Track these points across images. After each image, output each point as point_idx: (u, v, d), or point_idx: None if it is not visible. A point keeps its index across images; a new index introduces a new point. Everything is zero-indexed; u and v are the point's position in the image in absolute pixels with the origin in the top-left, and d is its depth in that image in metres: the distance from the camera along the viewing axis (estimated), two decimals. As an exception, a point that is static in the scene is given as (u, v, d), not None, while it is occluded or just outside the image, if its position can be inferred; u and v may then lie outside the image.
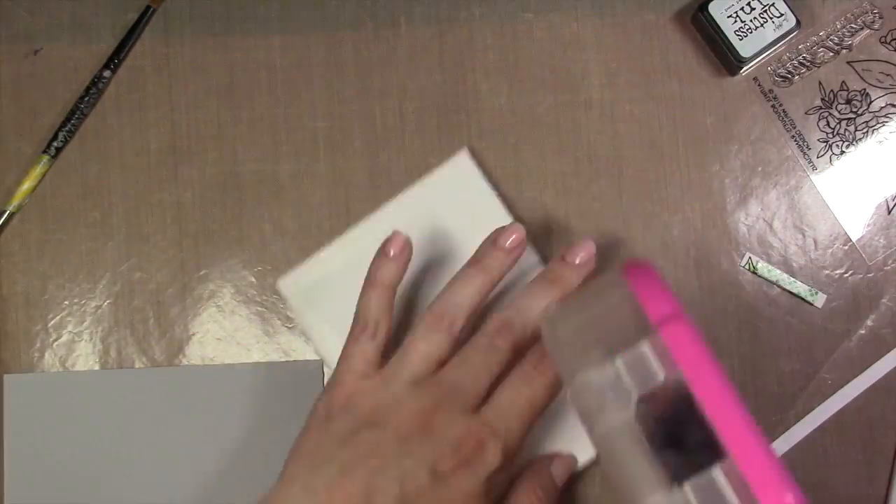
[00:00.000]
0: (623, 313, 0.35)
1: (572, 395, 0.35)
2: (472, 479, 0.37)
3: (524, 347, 0.41)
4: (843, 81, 0.50)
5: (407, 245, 0.43)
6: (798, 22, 0.48)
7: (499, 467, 0.38)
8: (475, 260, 0.43)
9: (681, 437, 0.32)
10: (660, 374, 0.33)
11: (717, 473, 0.31)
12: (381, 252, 0.43)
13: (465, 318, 0.41)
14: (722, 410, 0.31)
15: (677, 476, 0.31)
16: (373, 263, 0.43)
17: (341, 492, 0.37)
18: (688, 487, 0.31)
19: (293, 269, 0.47)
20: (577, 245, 0.43)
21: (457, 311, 0.41)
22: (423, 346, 0.40)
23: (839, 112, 0.49)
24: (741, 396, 0.31)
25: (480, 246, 0.43)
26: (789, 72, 0.50)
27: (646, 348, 0.33)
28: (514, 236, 0.43)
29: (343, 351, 0.42)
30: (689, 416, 0.32)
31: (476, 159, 0.48)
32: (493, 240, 0.43)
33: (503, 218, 0.47)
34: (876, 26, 0.50)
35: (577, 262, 0.43)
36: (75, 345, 0.48)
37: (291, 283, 0.47)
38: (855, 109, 0.49)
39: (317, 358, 0.48)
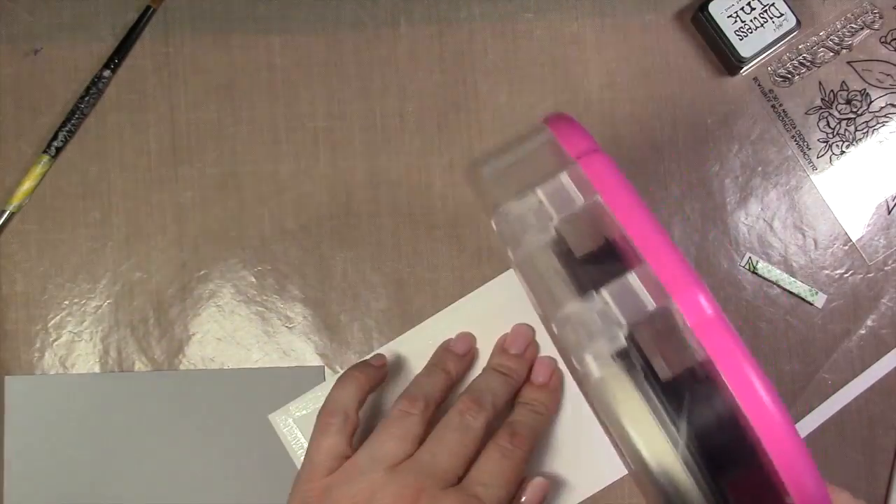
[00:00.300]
0: (544, 156, 0.37)
1: (496, 221, 0.36)
2: None
3: (492, 424, 0.42)
4: (844, 81, 0.50)
5: (384, 364, 0.46)
6: (798, 22, 0.48)
7: None
8: (437, 361, 0.46)
9: (597, 252, 0.35)
10: (578, 200, 0.35)
11: (633, 278, 0.33)
12: (368, 361, 0.46)
13: (437, 404, 0.43)
14: (635, 222, 0.33)
15: (596, 284, 0.33)
16: (359, 363, 0.45)
17: None
18: (605, 292, 0.33)
19: (285, 405, 0.47)
20: (513, 335, 0.46)
21: (428, 397, 0.42)
22: (398, 429, 0.41)
23: (839, 112, 0.49)
24: (652, 211, 0.34)
25: (442, 353, 0.47)
26: (789, 72, 0.50)
27: (565, 179, 0.35)
28: (464, 345, 0.47)
29: (311, 443, 0.42)
30: (606, 232, 0.35)
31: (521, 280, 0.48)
32: (449, 347, 0.47)
33: (542, 338, 0.47)
34: (876, 26, 0.50)
35: (515, 352, 0.46)
36: (75, 345, 0.48)
37: (281, 419, 0.47)
38: (855, 109, 0.49)
39: (319, 364, 0.48)
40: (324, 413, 0.42)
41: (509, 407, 0.44)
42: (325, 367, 0.48)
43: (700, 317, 0.31)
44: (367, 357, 0.46)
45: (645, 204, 0.33)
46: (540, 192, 0.35)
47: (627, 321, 0.32)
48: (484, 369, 0.46)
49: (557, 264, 0.34)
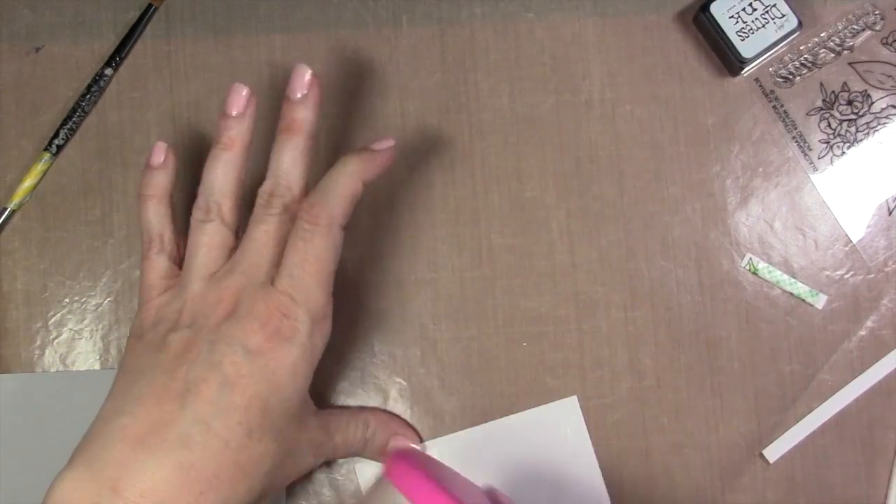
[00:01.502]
0: None
1: None
2: (288, 348, 0.38)
3: (296, 208, 0.41)
4: (845, 82, 0.50)
5: (169, 152, 0.43)
6: (800, 23, 0.48)
7: (310, 329, 0.39)
8: (216, 140, 0.42)
9: None
10: None
11: None
12: (145, 165, 0.43)
13: (231, 200, 0.42)
14: None
15: None
16: (141, 179, 0.43)
17: (166, 392, 0.36)
18: None
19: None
20: (292, 79, 0.42)
21: (219, 197, 0.41)
22: (203, 239, 0.41)
23: (840, 113, 0.49)
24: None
25: (217, 128, 0.42)
26: (791, 73, 0.50)
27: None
28: (238, 100, 0.42)
29: (140, 272, 0.43)
30: None
31: (582, 409, 0.48)
32: (223, 113, 0.42)
33: (593, 467, 0.47)
34: (877, 27, 0.50)
35: (299, 96, 0.41)
36: (75, 343, 0.48)
37: None
38: (856, 111, 0.49)
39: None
40: (143, 243, 0.43)
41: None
42: (326, 366, 0.48)
43: None
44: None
45: None
46: None
47: None
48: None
49: None
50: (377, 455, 0.46)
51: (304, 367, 0.39)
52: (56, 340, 0.48)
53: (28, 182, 0.48)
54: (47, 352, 0.48)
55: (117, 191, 0.49)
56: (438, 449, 0.48)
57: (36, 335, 0.48)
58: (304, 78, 0.42)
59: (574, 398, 0.48)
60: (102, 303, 0.48)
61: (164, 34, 0.50)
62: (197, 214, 0.42)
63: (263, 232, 0.40)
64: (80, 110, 0.49)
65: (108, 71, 0.49)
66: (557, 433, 0.48)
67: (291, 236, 0.40)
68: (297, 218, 0.40)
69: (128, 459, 0.35)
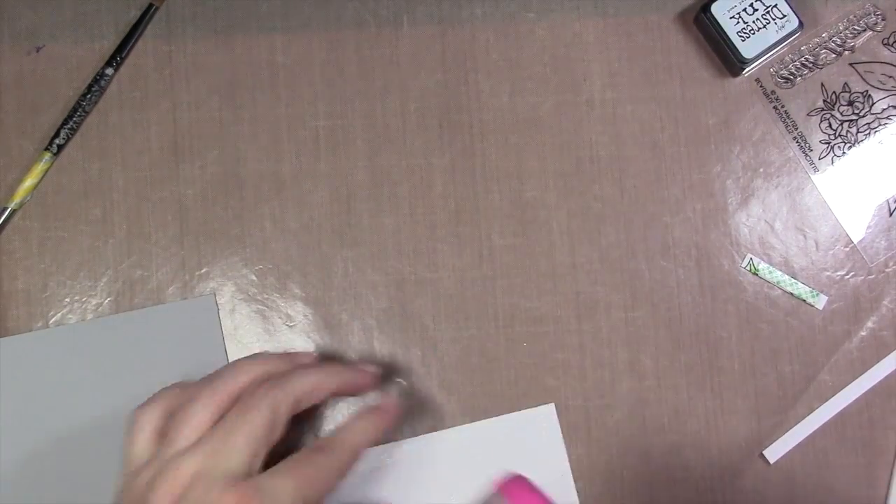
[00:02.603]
0: None
1: None
2: None
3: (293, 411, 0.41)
4: (846, 83, 0.50)
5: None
6: (801, 23, 0.48)
7: None
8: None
9: None
10: None
11: None
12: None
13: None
14: None
15: None
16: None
17: None
18: None
19: None
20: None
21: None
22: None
23: (841, 114, 0.49)
24: None
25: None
26: (791, 73, 0.50)
27: None
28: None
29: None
30: None
31: (560, 417, 0.48)
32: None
33: (566, 475, 0.47)
34: (878, 28, 0.50)
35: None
36: (76, 342, 0.48)
37: None
38: (857, 111, 0.49)
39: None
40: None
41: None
42: (326, 366, 0.48)
43: None
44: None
45: None
46: None
47: None
48: None
49: None
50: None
51: None
52: (56, 340, 0.48)
53: (29, 181, 0.48)
54: (48, 351, 0.48)
55: (118, 190, 0.49)
56: (409, 450, 0.47)
57: (36, 335, 0.48)
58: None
59: (552, 406, 0.48)
60: (102, 303, 0.48)
61: (164, 34, 0.50)
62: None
63: (240, 430, 0.39)
64: (80, 110, 0.49)
65: (109, 70, 0.49)
66: (533, 440, 0.48)
67: (301, 452, 0.40)
68: (316, 443, 0.41)
69: None
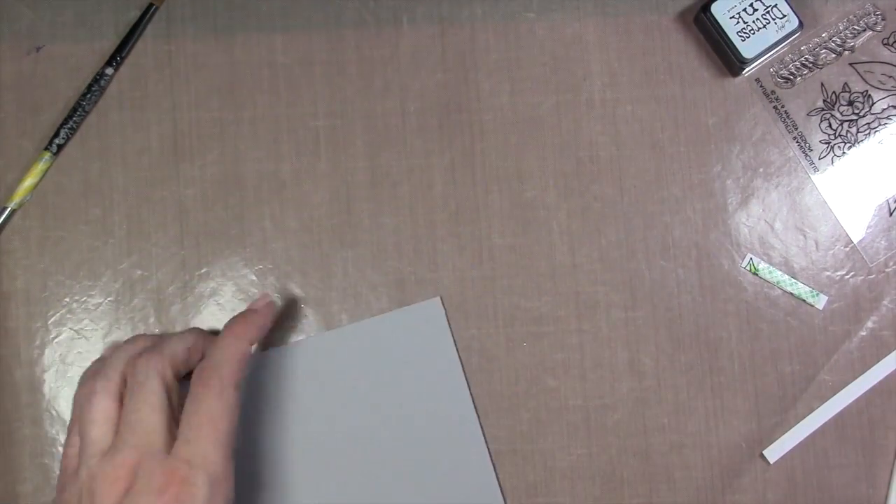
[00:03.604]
0: None
1: None
2: None
3: (177, 373, 0.41)
4: (846, 83, 0.50)
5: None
6: (801, 23, 0.48)
7: (208, 493, 0.38)
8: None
9: None
10: None
11: None
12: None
13: (117, 371, 0.41)
14: None
15: None
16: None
17: None
18: None
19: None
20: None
21: (108, 367, 0.41)
22: (90, 414, 0.40)
23: (841, 113, 0.49)
24: None
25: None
26: (791, 73, 0.50)
27: None
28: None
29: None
30: None
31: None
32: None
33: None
34: (878, 28, 0.50)
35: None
36: (75, 342, 0.48)
37: None
38: (857, 111, 0.49)
39: (434, 297, 0.48)
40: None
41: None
42: (326, 366, 0.48)
43: None
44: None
45: None
46: None
47: None
48: None
49: None
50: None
51: None
52: (56, 340, 0.48)
53: (28, 181, 0.48)
54: (47, 351, 0.48)
55: (118, 190, 0.49)
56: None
57: (36, 334, 0.48)
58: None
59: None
60: (102, 302, 0.48)
61: (164, 34, 0.50)
62: (86, 385, 0.41)
63: (143, 402, 0.39)
64: (80, 109, 0.49)
65: (109, 70, 0.49)
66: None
67: (186, 402, 0.40)
68: (191, 383, 0.40)
69: None
